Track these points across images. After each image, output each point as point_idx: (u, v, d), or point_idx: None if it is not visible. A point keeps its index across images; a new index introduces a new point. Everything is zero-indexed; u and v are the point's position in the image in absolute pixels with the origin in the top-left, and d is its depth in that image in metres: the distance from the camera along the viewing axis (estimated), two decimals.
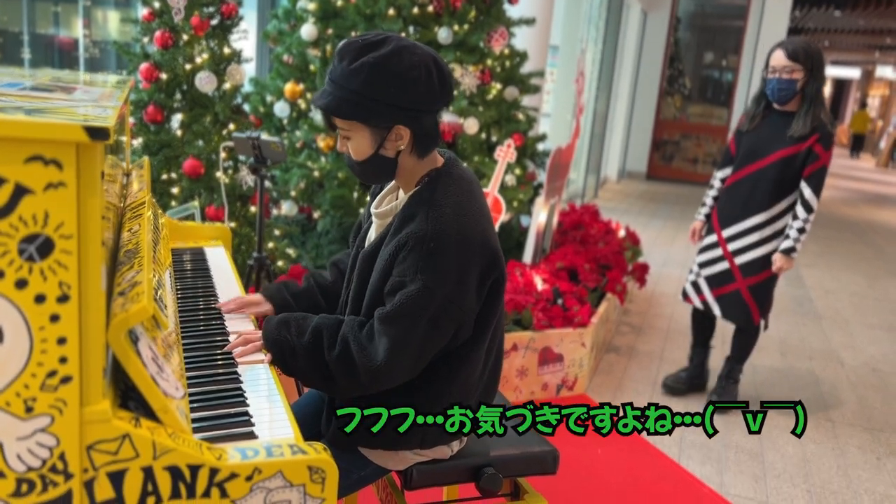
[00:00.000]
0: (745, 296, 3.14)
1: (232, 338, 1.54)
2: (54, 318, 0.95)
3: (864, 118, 20.51)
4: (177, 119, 3.26)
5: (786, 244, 2.99)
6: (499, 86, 4.10)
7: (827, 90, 32.76)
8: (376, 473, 1.58)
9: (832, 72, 26.75)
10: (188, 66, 3.21)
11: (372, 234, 1.55)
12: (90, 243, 0.95)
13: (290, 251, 3.65)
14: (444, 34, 3.85)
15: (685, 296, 3.36)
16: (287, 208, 3.87)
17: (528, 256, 4.02)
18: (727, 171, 3.25)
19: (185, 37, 3.20)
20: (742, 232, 3.11)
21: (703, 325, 3.44)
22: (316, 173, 3.79)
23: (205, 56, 3.23)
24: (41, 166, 0.90)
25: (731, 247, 3.13)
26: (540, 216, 4.03)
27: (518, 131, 4.18)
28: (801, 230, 2.96)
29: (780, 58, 2.91)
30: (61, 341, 0.96)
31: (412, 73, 1.32)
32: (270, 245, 3.49)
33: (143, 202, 1.62)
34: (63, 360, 0.96)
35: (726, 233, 3.15)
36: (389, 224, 1.45)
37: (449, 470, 1.61)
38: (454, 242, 1.35)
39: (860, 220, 9.64)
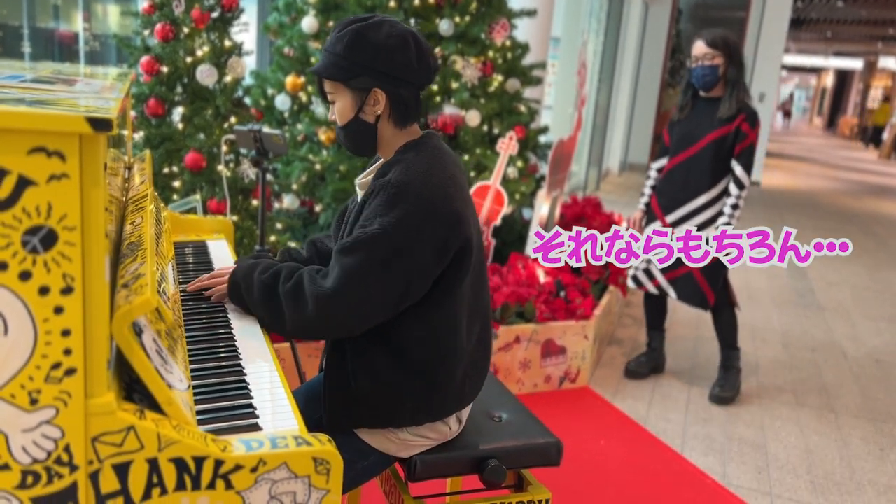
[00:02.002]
0: (698, 277, 3.21)
1: (235, 331, 1.54)
2: (58, 310, 0.95)
3: (887, 111, 20.55)
4: (178, 112, 3.25)
5: (722, 220, 3.12)
6: (500, 78, 4.08)
7: (829, 81, 32.63)
8: (379, 463, 1.58)
9: (835, 63, 26.67)
10: (189, 59, 3.20)
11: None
12: (94, 235, 0.94)
13: (293, 244, 3.65)
14: (445, 26, 3.84)
15: (637, 283, 3.44)
16: (289, 201, 3.87)
17: (530, 249, 4.01)
18: (663, 161, 3.39)
19: (185, 29, 3.19)
20: (686, 216, 3.23)
21: (656, 309, 3.55)
22: (317, 166, 3.79)
23: (205, 49, 3.22)
24: (44, 158, 0.90)
25: (677, 232, 3.15)
26: (542, 209, 4.03)
27: (520, 123, 4.17)
28: (735, 206, 3.11)
29: (700, 47, 3.10)
30: (65, 333, 0.95)
31: (389, 41, 1.45)
32: (272, 238, 3.49)
33: (145, 195, 1.62)
34: (67, 351, 0.96)
35: (670, 218, 3.26)
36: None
37: (452, 461, 1.61)
38: (415, 195, 1.41)
39: (862, 211, 9.62)
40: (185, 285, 1.74)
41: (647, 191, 3.44)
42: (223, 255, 2.02)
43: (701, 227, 3.18)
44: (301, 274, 1.47)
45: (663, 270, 3.32)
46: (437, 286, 1.47)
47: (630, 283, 3.48)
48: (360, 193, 1.61)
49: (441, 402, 1.53)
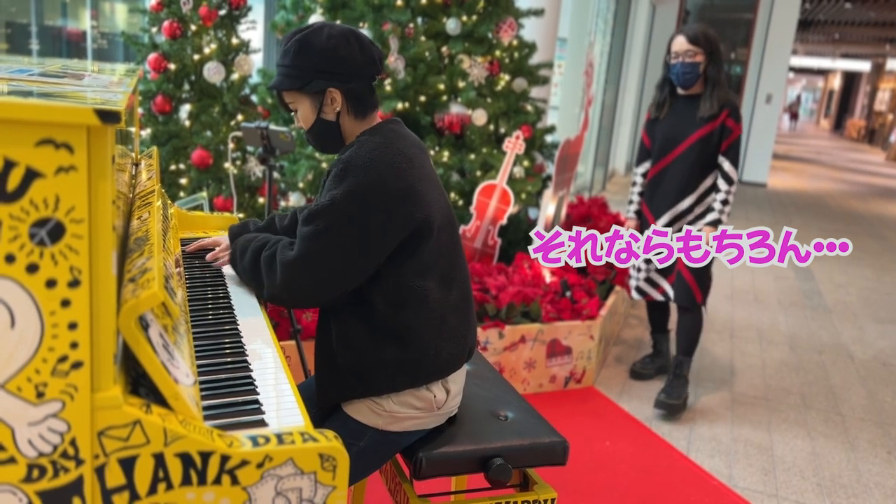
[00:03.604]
0: (687, 277, 3.16)
1: (241, 328, 1.53)
2: (65, 303, 0.94)
3: None
4: (185, 110, 3.25)
5: (711, 217, 3.06)
6: (507, 77, 4.08)
7: (837, 83, 32.50)
8: (376, 443, 1.58)
9: (842, 65, 26.58)
10: (196, 57, 3.20)
11: None
12: (101, 228, 0.94)
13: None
14: (452, 25, 3.83)
15: (642, 293, 3.36)
16: (295, 200, 3.86)
17: None
18: (647, 165, 3.31)
19: (193, 27, 3.20)
20: (675, 217, 3.17)
21: (658, 313, 3.53)
22: (324, 165, 3.78)
23: (213, 46, 3.23)
24: (52, 150, 0.90)
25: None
26: (548, 208, 4.02)
27: (526, 123, 4.16)
28: (725, 202, 3.05)
29: (681, 43, 3.01)
30: (72, 326, 0.95)
31: (331, 42, 1.54)
32: None
33: (152, 191, 1.62)
34: (74, 345, 0.96)
35: (661, 222, 3.20)
36: None
37: (457, 459, 1.61)
38: (362, 169, 1.50)
39: (869, 213, 9.58)
40: (187, 276, 1.74)
41: (636, 198, 3.35)
42: None
43: (691, 226, 3.12)
44: (278, 242, 1.60)
45: (665, 276, 3.26)
46: (397, 256, 1.54)
47: (635, 295, 3.39)
48: None
49: (417, 367, 1.56)
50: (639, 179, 3.34)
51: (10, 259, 0.92)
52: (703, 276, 3.17)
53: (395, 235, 1.52)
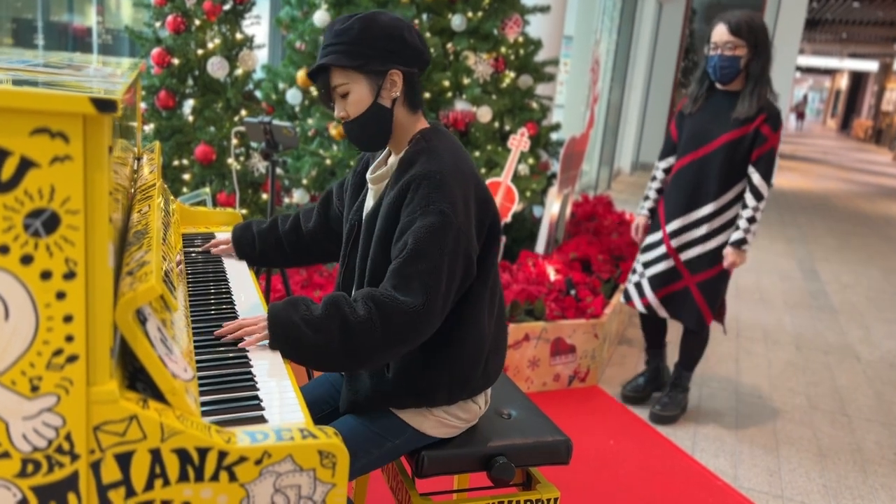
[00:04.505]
0: (695, 294, 2.88)
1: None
2: (60, 296, 0.93)
3: None
4: (188, 105, 3.24)
5: (736, 236, 2.76)
6: (512, 74, 4.05)
7: (844, 83, 32.31)
8: (410, 442, 1.57)
9: (849, 65, 26.48)
10: (200, 52, 3.19)
11: (370, 202, 1.60)
12: (97, 219, 0.92)
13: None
14: (457, 21, 3.81)
15: (627, 298, 3.10)
16: (298, 196, 3.85)
17: (540, 247, 3.98)
18: (671, 161, 3.00)
19: (197, 22, 3.18)
20: (688, 225, 2.86)
21: (653, 326, 3.16)
22: (327, 161, 3.77)
23: (217, 41, 3.21)
24: (47, 139, 0.88)
25: (675, 242, 2.89)
26: (553, 206, 4.00)
27: (532, 120, 4.14)
28: (752, 220, 2.74)
29: (722, 33, 2.68)
30: (67, 319, 0.93)
31: (396, 23, 1.48)
32: None
33: (153, 184, 1.60)
34: (69, 338, 0.94)
35: (670, 227, 2.89)
36: (387, 184, 1.52)
37: (460, 458, 1.59)
38: (456, 176, 1.43)
39: (876, 214, 9.53)
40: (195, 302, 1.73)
41: (653, 194, 3.05)
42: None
43: (705, 240, 2.84)
44: (371, 296, 1.36)
45: (654, 287, 2.97)
46: (478, 264, 1.50)
47: (622, 298, 3.17)
48: (372, 189, 1.59)
49: (474, 379, 1.55)
50: (659, 175, 3.04)
51: (4, 250, 0.90)
52: (714, 295, 2.88)
53: (481, 242, 1.49)
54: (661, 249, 2.94)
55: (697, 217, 2.85)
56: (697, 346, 3.04)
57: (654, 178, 3.07)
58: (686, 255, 2.89)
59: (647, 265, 3.00)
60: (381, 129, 1.51)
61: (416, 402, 1.54)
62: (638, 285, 3.04)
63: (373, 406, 1.55)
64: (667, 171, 3.03)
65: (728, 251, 2.79)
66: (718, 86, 2.81)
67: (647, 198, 3.08)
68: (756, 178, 2.73)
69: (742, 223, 2.76)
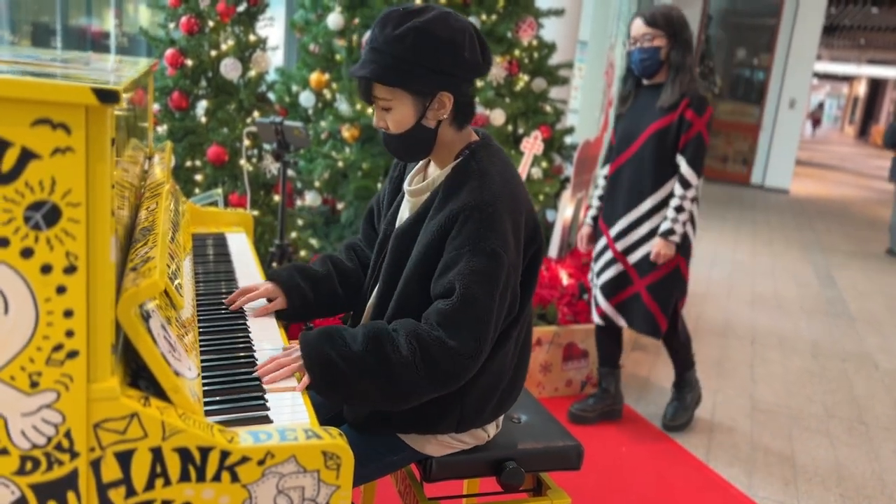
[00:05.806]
0: (645, 299, 2.75)
1: (249, 323, 1.50)
2: (61, 290, 0.91)
3: None
4: (202, 106, 3.24)
5: (664, 226, 2.65)
6: (526, 77, 4.03)
7: (862, 90, 31.89)
8: (408, 459, 1.53)
9: (868, 71, 26.22)
10: (213, 53, 3.19)
11: (405, 213, 1.49)
12: (99, 212, 0.91)
13: (314, 241, 3.62)
14: None
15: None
16: (311, 199, 3.84)
17: (553, 251, 3.95)
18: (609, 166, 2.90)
19: (210, 23, 3.19)
20: (631, 225, 2.75)
21: (606, 341, 2.94)
22: (340, 164, 3.76)
23: (230, 43, 3.21)
24: (49, 130, 0.87)
25: (621, 245, 2.77)
26: (566, 210, 3.97)
27: (545, 123, 4.11)
28: (679, 209, 2.63)
29: (639, 26, 2.65)
30: (68, 314, 0.92)
31: (457, 38, 1.30)
32: (293, 235, 3.47)
33: (161, 182, 1.59)
34: (70, 333, 0.93)
35: (613, 231, 2.78)
36: (429, 200, 1.41)
37: (470, 463, 1.56)
38: (507, 209, 1.32)
39: None
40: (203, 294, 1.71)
41: (595, 202, 2.93)
42: (242, 248, 2.00)
43: (649, 238, 2.72)
44: (416, 335, 1.28)
45: (607, 295, 2.82)
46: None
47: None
48: (409, 202, 1.48)
49: (486, 412, 1.48)
50: (601, 182, 2.91)
51: (4, 243, 0.89)
52: (666, 298, 2.76)
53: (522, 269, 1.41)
54: (608, 255, 2.82)
55: (638, 216, 2.74)
56: (681, 348, 2.94)
57: (596, 186, 2.97)
58: (633, 258, 2.77)
59: (598, 274, 2.87)
60: (423, 147, 1.40)
61: (422, 430, 1.47)
62: (594, 297, 2.91)
63: (371, 430, 1.47)
64: (606, 176, 2.91)
65: (656, 242, 2.68)
66: (644, 81, 2.76)
67: (590, 206, 2.99)
68: (683, 165, 2.64)
69: (670, 213, 2.65)
